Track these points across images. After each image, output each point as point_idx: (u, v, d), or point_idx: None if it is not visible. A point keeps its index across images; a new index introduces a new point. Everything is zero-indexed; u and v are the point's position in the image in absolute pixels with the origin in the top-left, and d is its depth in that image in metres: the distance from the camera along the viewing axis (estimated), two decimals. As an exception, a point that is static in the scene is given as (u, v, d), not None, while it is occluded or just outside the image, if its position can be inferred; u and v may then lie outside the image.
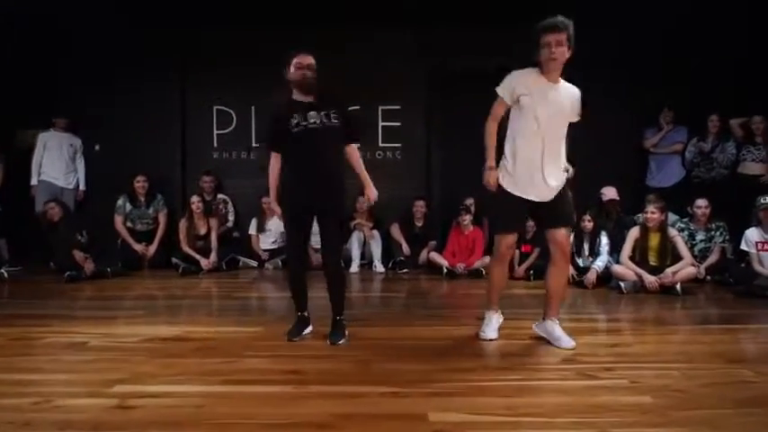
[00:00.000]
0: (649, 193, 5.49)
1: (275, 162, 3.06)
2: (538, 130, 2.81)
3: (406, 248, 5.74)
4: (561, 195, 2.93)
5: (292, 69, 2.92)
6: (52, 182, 5.89)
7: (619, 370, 2.56)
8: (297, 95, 2.97)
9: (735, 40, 5.84)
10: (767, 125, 5.40)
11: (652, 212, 4.55)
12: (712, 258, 4.90)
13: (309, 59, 2.93)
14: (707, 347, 2.96)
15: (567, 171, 2.95)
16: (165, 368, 2.60)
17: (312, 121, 2.90)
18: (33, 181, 5.88)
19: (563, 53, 2.73)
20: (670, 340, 3.15)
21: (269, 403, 2.18)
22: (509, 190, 2.89)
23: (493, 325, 3.10)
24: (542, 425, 1.98)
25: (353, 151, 3.13)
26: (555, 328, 2.99)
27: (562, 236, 2.94)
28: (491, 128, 2.93)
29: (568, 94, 2.88)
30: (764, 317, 3.76)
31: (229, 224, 6.09)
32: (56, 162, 5.90)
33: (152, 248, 5.80)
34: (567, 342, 2.92)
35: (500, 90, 2.89)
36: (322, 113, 2.91)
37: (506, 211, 2.95)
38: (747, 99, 5.59)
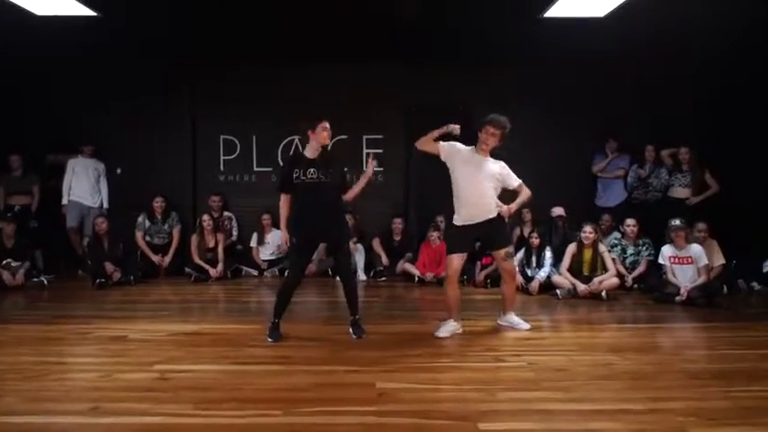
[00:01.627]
0: (597, 212, 6.47)
1: (284, 201, 3.93)
2: (473, 184, 3.88)
3: (385, 260, 6.67)
4: (497, 226, 3.94)
5: (319, 130, 3.77)
6: (80, 201, 6.80)
7: (524, 355, 3.49)
8: (307, 151, 3.84)
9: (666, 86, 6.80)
10: (692, 155, 6.32)
11: (589, 232, 5.49)
12: (639, 269, 5.83)
13: (328, 125, 3.81)
14: (599, 340, 3.90)
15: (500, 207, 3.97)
16: (189, 353, 3.54)
17: (310, 176, 3.74)
18: (64, 201, 6.78)
19: (493, 143, 3.86)
20: (575, 335, 4.08)
21: (265, 376, 3.10)
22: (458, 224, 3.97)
23: (448, 328, 3.97)
24: (453, 389, 2.90)
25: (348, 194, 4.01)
26: (513, 318, 4.16)
27: (501, 256, 4.02)
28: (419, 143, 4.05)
29: (492, 166, 3.94)
30: (661, 318, 4.66)
31: (233, 238, 7.02)
32: (83, 184, 6.81)
33: (167, 259, 6.72)
34: (525, 325, 4.11)
35: (445, 143, 3.95)
36: (320, 171, 3.74)
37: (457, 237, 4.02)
38: (677, 131, 6.51)
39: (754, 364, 3.32)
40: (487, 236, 4.05)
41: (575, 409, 2.64)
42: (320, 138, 3.79)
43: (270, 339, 3.80)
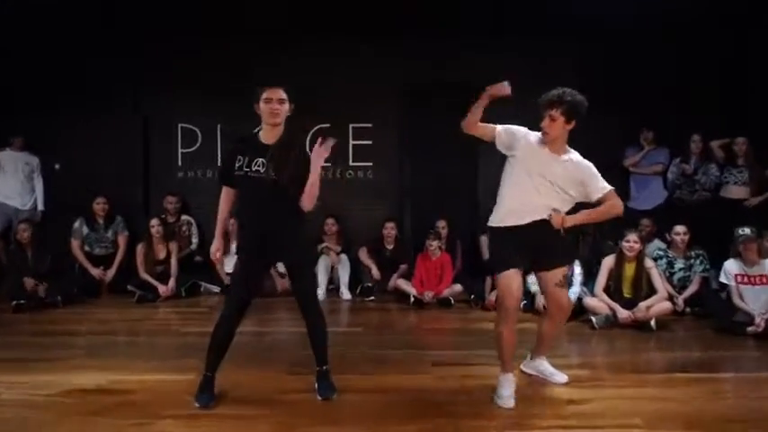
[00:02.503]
0: (632, 216, 5.29)
1: (224, 197, 2.82)
2: (530, 183, 2.69)
3: (376, 273, 5.50)
4: (556, 234, 2.72)
5: (261, 103, 2.63)
6: (6, 202, 5.66)
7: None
8: (262, 133, 2.71)
9: (716, 60, 5.65)
10: (750, 147, 5.16)
11: (634, 242, 4.31)
12: (691, 289, 4.65)
13: (279, 94, 2.63)
14: (669, 405, 2.71)
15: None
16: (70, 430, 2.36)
17: (255, 169, 2.60)
18: None
19: (557, 128, 2.65)
20: (631, 395, 2.88)
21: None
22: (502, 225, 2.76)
23: (507, 390, 2.72)
24: None
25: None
26: (545, 365, 3.06)
27: (555, 280, 2.78)
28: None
29: (567, 167, 2.69)
30: (742, 361, 3.51)
31: (193, 247, 5.84)
32: (10, 182, 5.65)
33: (110, 273, 5.55)
34: (561, 377, 3.00)
35: (503, 127, 2.78)
36: (272, 164, 2.58)
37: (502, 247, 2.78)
38: (728, 120, 5.36)
39: None
40: (544, 245, 2.71)
41: None
42: (265, 114, 2.65)
43: (197, 404, 2.64)
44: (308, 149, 2.75)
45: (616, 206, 2.72)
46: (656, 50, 5.70)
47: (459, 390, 2.94)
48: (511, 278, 2.65)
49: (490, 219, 2.82)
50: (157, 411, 2.61)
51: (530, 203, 2.68)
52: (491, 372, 2.97)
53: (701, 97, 5.62)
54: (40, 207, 5.81)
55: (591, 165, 2.74)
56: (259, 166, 2.60)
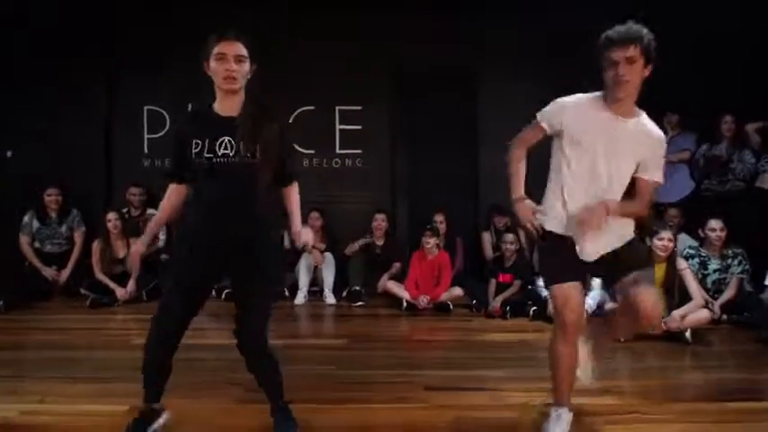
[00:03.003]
0: (656, 208, 4.71)
1: (172, 194, 2.15)
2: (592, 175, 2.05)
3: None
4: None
5: (212, 61, 1.98)
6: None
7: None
8: (218, 103, 2.04)
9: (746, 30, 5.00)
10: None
11: (668, 239, 3.69)
12: (728, 293, 4.04)
13: (238, 47, 1.99)
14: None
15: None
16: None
17: (222, 154, 1.96)
18: None
19: (637, 75, 1.97)
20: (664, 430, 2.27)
21: None
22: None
23: (562, 425, 2.18)
24: None
25: (292, 194, 2.18)
26: None
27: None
28: (517, 154, 2.21)
29: (639, 137, 2.04)
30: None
31: (160, 244, 5.20)
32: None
33: (65, 273, 4.92)
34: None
35: (540, 115, 2.15)
36: (241, 145, 1.95)
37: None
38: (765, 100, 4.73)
39: None
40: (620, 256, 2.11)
41: None
42: (218, 77, 1.98)
43: None
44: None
45: (647, 205, 2.11)
46: (678, 22, 5.06)
47: (458, 424, 2.31)
48: (568, 291, 2.06)
49: (544, 219, 2.16)
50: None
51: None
52: (501, 399, 2.35)
53: (731, 74, 4.99)
54: None
55: (663, 138, 2.10)
56: (226, 148, 1.95)
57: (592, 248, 2.07)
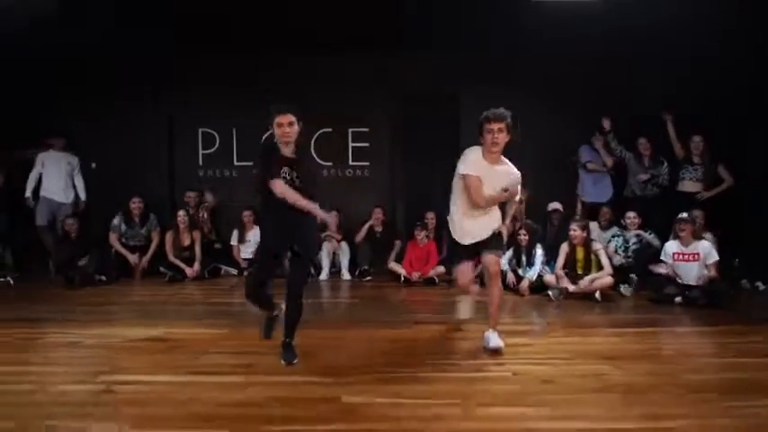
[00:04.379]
0: (586, 208, 6.17)
1: (282, 184, 3.11)
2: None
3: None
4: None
5: (274, 126, 3.09)
6: (51, 198, 6.44)
7: (509, 364, 3.18)
8: (281, 146, 3.14)
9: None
10: (705, 146, 5.94)
11: (574, 230, 5.19)
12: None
13: (288, 118, 3.08)
14: (591, 347, 3.58)
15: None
16: (142, 362, 3.24)
17: (286, 174, 3.09)
18: (27, 193, 6.40)
19: (503, 139, 3.32)
20: (566, 341, 3.76)
21: (219, 389, 2.79)
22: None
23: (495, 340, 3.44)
24: (426, 404, 2.59)
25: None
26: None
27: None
28: (482, 196, 3.42)
29: (506, 175, 3.42)
30: (659, 321, 4.34)
31: (211, 202, 6.70)
32: (53, 180, 6.44)
33: (145, 259, 6.36)
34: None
35: (466, 170, 3.42)
36: (294, 173, 3.12)
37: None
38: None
39: (756, 375, 3.02)
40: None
41: (561, 428, 2.34)
42: (278, 136, 3.12)
43: (283, 362, 3.20)
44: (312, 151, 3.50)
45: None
46: (610, 66, 6.51)
47: (437, 338, 3.79)
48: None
49: (451, 229, 3.68)
50: (204, 349, 3.47)
51: (483, 218, 3.55)
52: (468, 331, 3.88)
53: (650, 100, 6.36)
54: (83, 198, 6.57)
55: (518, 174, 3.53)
56: (286, 174, 3.12)
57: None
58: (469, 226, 3.54)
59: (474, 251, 3.62)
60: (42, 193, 6.48)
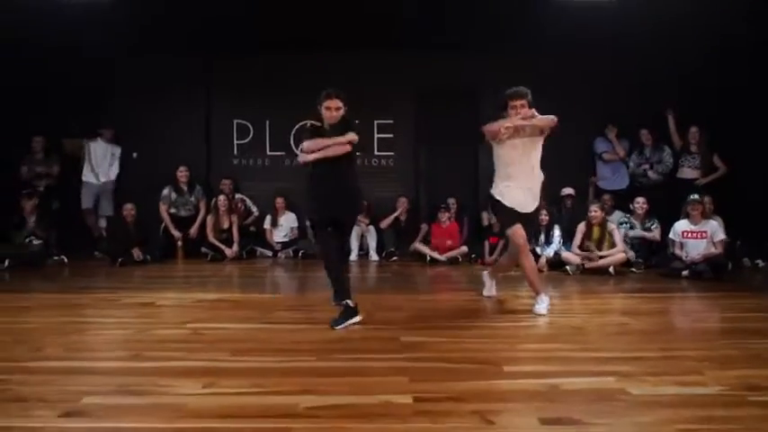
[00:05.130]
0: (600, 193, 6.64)
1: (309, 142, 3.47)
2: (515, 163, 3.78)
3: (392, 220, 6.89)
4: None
5: (323, 109, 3.47)
6: (91, 182, 6.96)
7: (541, 318, 3.61)
8: (326, 124, 3.51)
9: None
10: (703, 136, 6.45)
11: (595, 210, 5.64)
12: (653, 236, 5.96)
13: (336, 103, 3.45)
14: (610, 306, 4.06)
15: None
16: (217, 315, 3.69)
17: None
18: (83, 177, 6.90)
19: (526, 113, 3.67)
20: (587, 303, 4.23)
21: (295, 333, 3.23)
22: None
23: (544, 304, 3.70)
24: (476, 342, 3.03)
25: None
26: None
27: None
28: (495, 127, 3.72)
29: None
30: (669, 289, 4.78)
31: (256, 213, 7.13)
32: (97, 166, 6.97)
33: (193, 229, 6.83)
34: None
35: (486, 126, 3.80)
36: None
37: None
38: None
39: (756, 324, 3.46)
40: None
41: (592, 357, 2.77)
42: (326, 117, 3.49)
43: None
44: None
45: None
46: (620, 64, 7.00)
47: (460, 304, 4.20)
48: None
49: (497, 192, 3.86)
50: (266, 308, 3.92)
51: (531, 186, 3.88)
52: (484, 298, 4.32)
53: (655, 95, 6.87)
54: (113, 178, 7.06)
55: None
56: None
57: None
58: (515, 194, 3.77)
59: (518, 219, 3.79)
60: (84, 178, 6.96)
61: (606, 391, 2.29)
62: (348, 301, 3.41)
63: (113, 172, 7.09)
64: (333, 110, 3.43)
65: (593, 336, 3.16)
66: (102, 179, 7.00)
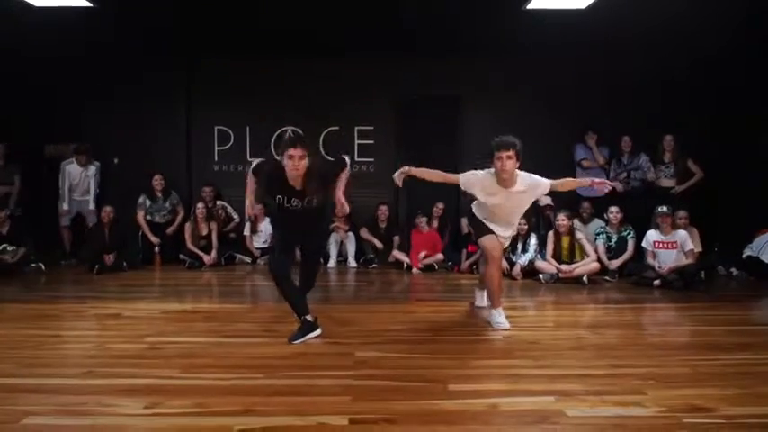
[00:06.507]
0: (581, 201, 6.65)
1: (252, 183, 3.55)
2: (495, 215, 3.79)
3: (378, 244, 6.83)
4: None
5: (285, 159, 3.18)
6: (73, 198, 6.89)
7: (501, 331, 3.64)
8: (289, 177, 3.24)
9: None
10: (676, 144, 6.47)
11: (561, 220, 5.66)
12: (627, 254, 5.87)
13: (300, 152, 3.15)
14: (575, 318, 4.07)
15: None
16: (179, 328, 3.71)
17: (295, 204, 3.31)
18: (64, 206, 6.80)
19: (512, 165, 3.52)
20: (554, 314, 4.26)
21: (250, 347, 3.24)
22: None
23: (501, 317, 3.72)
24: (427, 358, 3.05)
25: (343, 176, 3.51)
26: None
27: None
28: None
29: (520, 194, 3.65)
30: (638, 300, 4.82)
31: (237, 220, 7.14)
32: (75, 188, 6.86)
33: (170, 230, 6.84)
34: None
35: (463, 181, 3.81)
36: (305, 200, 3.29)
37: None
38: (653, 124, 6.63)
39: (717, 338, 3.49)
40: None
41: (539, 374, 2.79)
42: (288, 168, 3.20)
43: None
44: (321, 149, 3.82)
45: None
46: (602, 70, 7.02)
47: (424, 316, 4.19)
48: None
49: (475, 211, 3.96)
50: (232, 319, 3.94)
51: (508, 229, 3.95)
52: (459, 307, 4.34)
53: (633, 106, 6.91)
54: (92, 207, 6.85)
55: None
56: (295, 204, 3.31)
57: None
58: (492, 227, 3.81)
59: (493, 233, 3.82)
60: (61, 200, 6.84)
61: (543, 412, 2.32)
62: (306, 317, 3.41)
63: (92, 193, 6.94)
64: (296, 158, 3.15)
65: (546, 351, 3.18)
66: (79, 199, 6.92)
